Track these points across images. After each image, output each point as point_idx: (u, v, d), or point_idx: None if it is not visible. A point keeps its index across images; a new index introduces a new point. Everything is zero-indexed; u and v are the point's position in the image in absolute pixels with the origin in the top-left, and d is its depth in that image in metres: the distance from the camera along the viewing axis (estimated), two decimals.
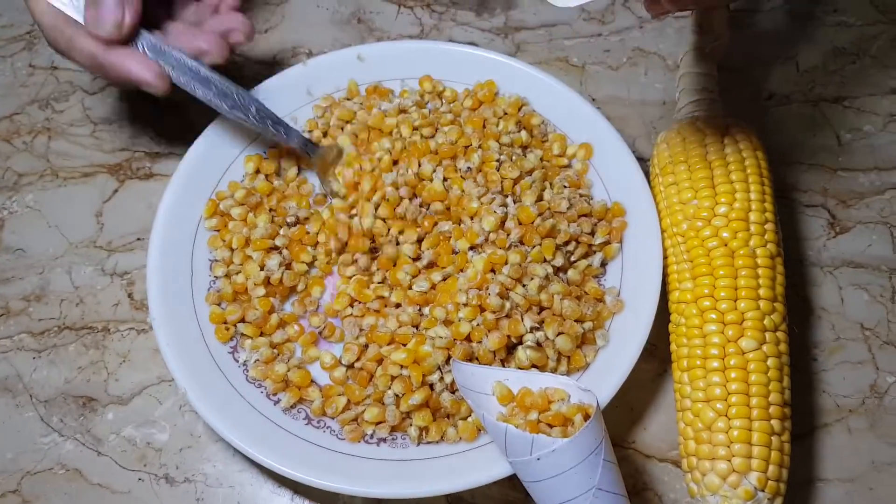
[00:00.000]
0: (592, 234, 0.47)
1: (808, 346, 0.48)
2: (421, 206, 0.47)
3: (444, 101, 0.53)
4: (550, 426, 0.39)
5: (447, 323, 0.43)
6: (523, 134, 0.50)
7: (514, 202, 0.47)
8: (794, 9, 0.61)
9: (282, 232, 0.49)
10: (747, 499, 0.38)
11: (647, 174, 0.49)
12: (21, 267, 0.51)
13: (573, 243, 0.46)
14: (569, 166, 0.51)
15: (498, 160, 0.48)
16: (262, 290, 0.46)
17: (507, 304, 0.43)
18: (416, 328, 0.44)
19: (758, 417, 0.39)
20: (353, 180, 0.48)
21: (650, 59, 0.59)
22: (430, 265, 0.46)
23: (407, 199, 0.47)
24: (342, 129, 0.52)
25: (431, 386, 0.43)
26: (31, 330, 0.49)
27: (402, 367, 0.43)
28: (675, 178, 0.46)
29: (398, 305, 0.46)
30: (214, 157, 0.50)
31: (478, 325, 0.43)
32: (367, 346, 0.45)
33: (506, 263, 0.44)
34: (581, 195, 0.49)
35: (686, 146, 0.47)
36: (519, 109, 0.52)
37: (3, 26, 0.61)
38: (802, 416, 0.46)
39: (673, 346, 0.44)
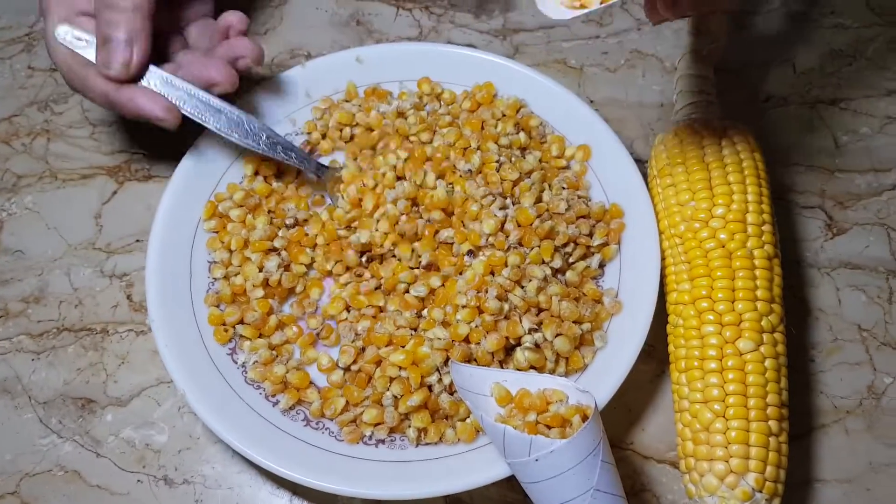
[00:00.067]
0: (591, 235, 0.47)
1: (805, 348, 0.49)
2: (421, 216, 0.47)
3: (442, 102, 0.53)
4: (549, 427, 0.39)
5: (445, 324, 0.43)
6: (522, 135, 0.50)
7: (513, 204, 0.47)
8: (790, 11, 0.62)
9: (280, 233, 0.49)
10: (745, 499, 0.38)
11: (644, 176, 0.49)
12: (20, 268, 0.51)
13: (571, 245, 0.46)
14: (567, 168, 0.51)
15: (497, 162, 0.48)
16: (260, 292, 0.46)
17: (506, 306, 0.43)
18: (415, 330, 0.44)
19: (755, 418, 0.39)
20: (357, 196, 0.48)
21: (648, 62, 0.59)
22: (430, 266, 0.46)
23: (405, 214, 0.47)
24: (340, 131, 0.52)
25: (430, 387, 0.43)
26: (29, 331, 0.49)
27: (400, 368, 0.43)
28: (673, 180, 0.46)
29: (395, 311, 0.46)
30: (213, 159, 0.50)
31: (476, 326, 0.43)
32: (363, 349, 0.45)
33: (505, 265, 0.44)
34: (579, 197, 0.49)
35: (684, 148, 0.47)
36: (517, 111, 0.52)
37: (2, 28, 0.61)
38: (800, 417, 0.46)
39: (671, 348, 0.44)
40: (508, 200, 0.47)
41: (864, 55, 0.59)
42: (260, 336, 0.46)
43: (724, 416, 0.39)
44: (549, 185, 0.49)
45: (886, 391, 0.47)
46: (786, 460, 0.40)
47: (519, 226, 0.46)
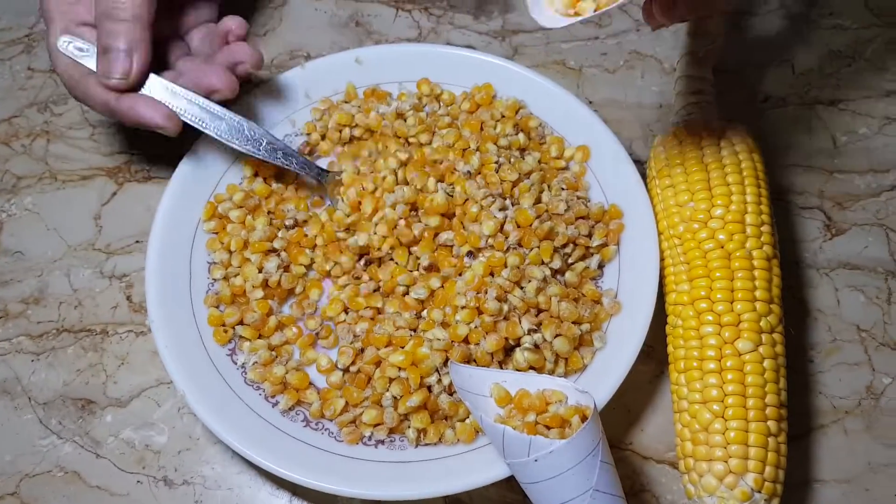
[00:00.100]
0: (590, 236, 0.47)
1: (804, 348, 0.49)
2: (420, 219, 0.47)
3: (441, 103, 0.53)
4: (548, 428, 0.39)
5: (445, 325, 0.43)
6: (521, 136, 0.50)
7: (512, 205, 0.47)
8: (789, 12, 0.62)
9: (280, 234, 0.49)
10: (744, 500, 0.38)
11: (643, 177, 0.49)
12: (20, 269, 0.51)
13: (571, 246, 0.47)
14: (566, 169, 0.51)
15: (496, 163, 0.48)
16: (260, 293, 0.47)
17: (505, 307, 0.43)
18: (414, 331, 0.44)
19: (754, 419, 0.39)
20: (356, 200, 0.48)
21: (647, 63, 0.59)
22: (430, 268, 0.46)
23: (404, 219, 0.47)
24: (340, 132, 0.52)
25: (429, 388, 0.43)
26: (29, 332, 0.49)
27: (399, 369, 0.43)
28: (672, 181, 0.46)
29: (394, 312, 0.46)
30: (213, 161, 0.50)
31: (475, 327, 0.43)
32: (362, 350, 0.45)
33: (504, 266, 0.44)
34: (578, 197, 0.49)
35: (682, 149, 0.47)
36: (516, 112, 0.52)
37: (1, 29, 0.61)
38: (799, 418, 0.46)
39: (670, 348, 0.44)
40: (508, 201, 0.47)
41: (862, 56, 0.60)
42: (259, 337, 0.46)
43: (722, 417, 0.39)
44: (549, 186, 0.49)
45: (885, 391, 0.47)
46: (785, 461, 0.40)
47: (518, 227, 0.46)
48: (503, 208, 0.46)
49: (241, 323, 0.46)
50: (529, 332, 0.43)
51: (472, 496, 0.44)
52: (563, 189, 0.49)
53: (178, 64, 0.49)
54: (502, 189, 0.47)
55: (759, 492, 0.38)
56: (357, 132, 0.52)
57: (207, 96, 0.47)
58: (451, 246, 0.46)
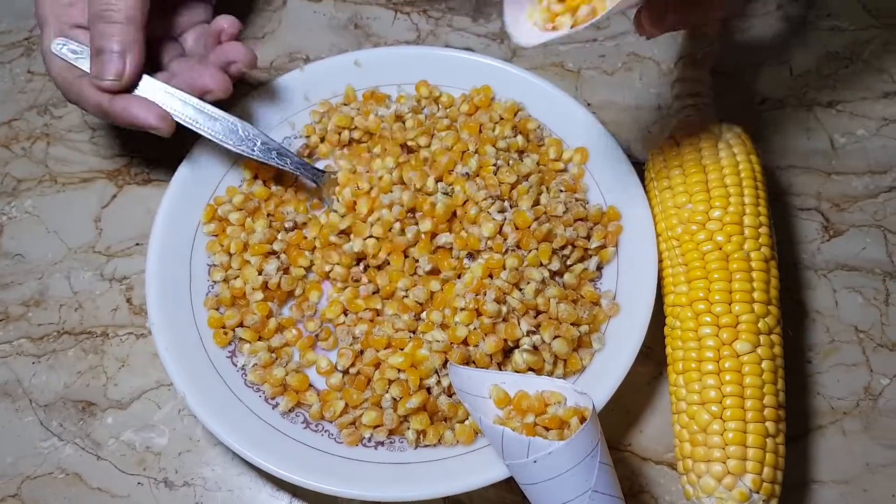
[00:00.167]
0: (588, 238, 0.47)
1: (802, 349, 0.49)
2: (417, 222, 0.47)
3: (440, 106, 0.53)
4: (547, 429, 0.39)
5: (444, 327, 0.44)
6: (519, 139, 0.50)
7: (511, 207, 0.47)
8: (787, 13, 0.62)
9: (279, 237, 0.49)
10: (742, 500, 0.38)
11: (642, 178, 0.49)
12: (20, 272, 0.52)
13: (569, 247, 0.47)
14: (565, 170, 0.51)
15: (495, 165, 0.48)
16: (260, 295, 0.47)
17: (504, 309, 0.43)
18: (413, 333, 0.45)
19: (752, 420, 0.39)
20: (352, 200, 0.48)
21: (645, 64, 0.60)
22: (432, 271, 0.46)
23: (400, 220, 0.46)
24: (339, 134, 0.52)
25: (429, 389, 0.43)
26: (30, 335, 0.49)
27: (399, 370, 0.43)
28: (670, 183, 0.47)
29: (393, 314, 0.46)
30: (212, 163, 0.51)
31: (475, 328, 0.43)
32: (362, 351, 0.45)
33: (503, 268, 0.44)
34: (577, 199, 0.49)
35: (680, 151, 0.47)
36: (515, 114, 0.52)
37: (1, 32, 0.61)
38: (797, 419, 0.46)
39: (668, 349, 0.44)
40: (506, 203, 0.47)
41: (860, 57, 0.60)
42: (259, 339, 0.46)
43: (721, 418, 0.40)
44: (547, 188, 0.49)
45: (883, 392, 0.47)
46: (783, 461, 0.40)
47: (517, 229, 0.46)
48: (502, 210, 0.46)
49: (241, 325, 0.46)
50: (528, 333, 0.43)
51: (471, 497, 0.44)
52: (561, 191, 0.49)
53: (171, 65, 0.49)
54: (500, 191, 0.47)
55: (758, 492, 0.38)
56: (356, 134, 0.52)
57: (201, 97, 0.47)
58: (451, 248, 0.46)
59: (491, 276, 0.45)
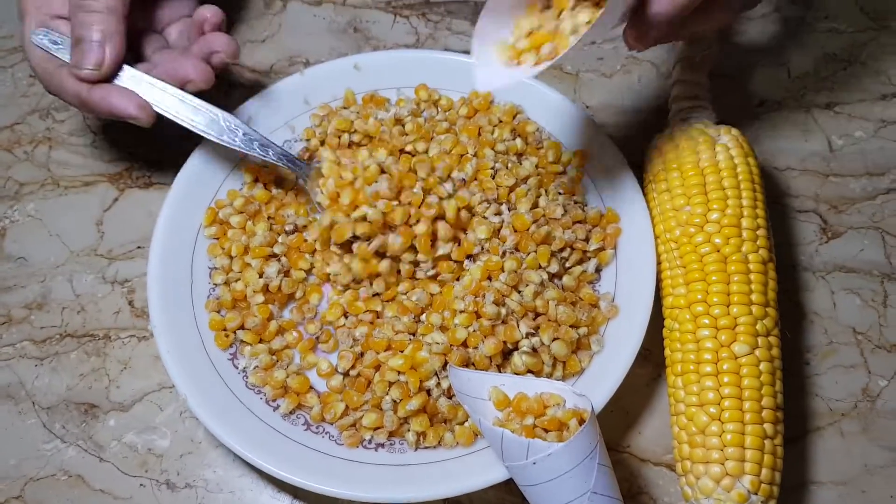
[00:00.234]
0: (587, 240, 0.47)
1: (800, 351, 0.49)
2: (408, 221, 0.46)
3: (439, 109, 0.54)
4: (546, 431, 0.39)
5: (444, 329, 0.44)
6: (518, 141, 0.51)
7: (510, 209, 0.47)
8: (785, 15, 0.62)
9: (280, 240, 0.49)
10: (741, 502, 0.38)
11: (640, 181, 0.49)
12: (22, 275, 0.52)
13: (568, 250, 0.47)
14: (563, 173, 0.51)
15: (493, 168, 0.48)
16: (260, 298, 0.47)
17: (503, 311, 0.44)
18: (413, 335, 0.45)
19: (751, 421, 0.39)
20: (335, 191, 0.47)
21: (643, 67, 0.60)
22: (436, 276, 0.46)
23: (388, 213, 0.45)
24: (339, 138, 0.52)
25: (429, 391, 0.43)
26: (32, 338, 0.50)
27: (399, 372, 0.43)
28: (668, 185, 0.47)
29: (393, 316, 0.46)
30: (213, 166, 0.51)
31: (474, 330, 0.43)
32: (362, 353, 0.45)
33: (502, 270, 0.45)
34: (576, 202, 0.49)
35: (679, 153, 0.48)
36: (514, 117, 0.52)
37: (3, 37, 0.62)
38: (795, 420, 0.46)
39: (667, 351, 0.44)
40: (504, 206, 0.47)
41: (858, 59, 0.60)
42: (260, 341, 0.46)
43: (719, 419, 0.40)
44: (546, 191, 0.49)
45: (881, 394, 0.48)
46: (781, 463, 0.40)
47: (515, 231, 0.46)
48: (498, 213, 0.47)
49: (242, 327, 0.46)
50: (527, 335, 0.43)
51: (471, 499, 0.44)
52: (560, 193, 0.49)
53: (153, 57, 0.49)
54: (499, 194, 0.47)
55: (756, 494, 0.38)
56: (356, 138, 0.52)
57: (182, 87, 0.47)
58: (449, 254, 0.46)
59: (490, 279, 0.45)
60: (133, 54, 0.47)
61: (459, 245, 0.46)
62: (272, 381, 0.45)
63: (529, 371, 0.43)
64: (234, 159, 0.51)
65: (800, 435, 0.46)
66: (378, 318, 0.46)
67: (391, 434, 0.43)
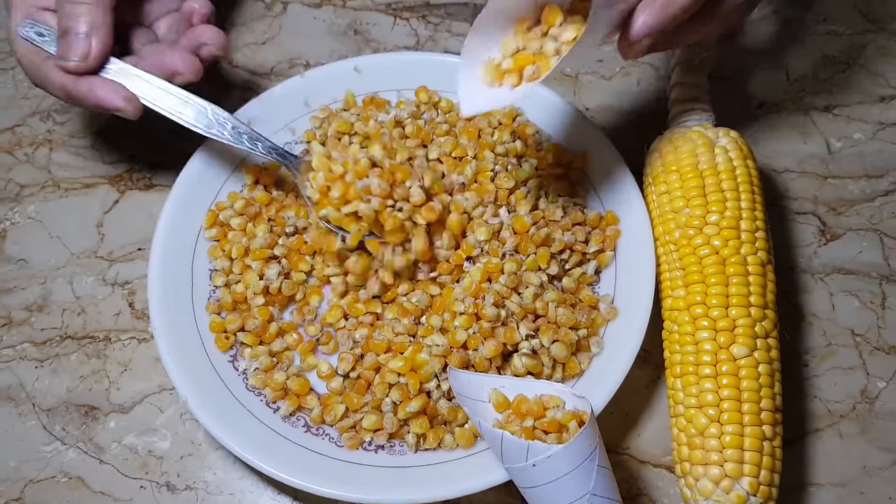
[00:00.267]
0: (586, 242, 0.48)
1: (799, 353, 0.49)
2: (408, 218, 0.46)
3: (439, 111, 0.54)
4: (546, 433, 0.39)
5: (443, 331, 0.44)
6: (518, 143, 0.51)
7: (509, 212, 0.47)
8: (784, 18, 0.62)
9: (280, 241, 0.49)
10: (739, 503, 0.38)
11: (639, 183, 0.49)
12: (23, 277, 0.52)
13: (567, 252, 0.47)
14: (563, 175, 0.51)
15: (493, 170, 0.48)
16: (261, 300, 0.47)
17: (503, 313, 0.44)
18: (413, 337, 0.45)
19: (749, 423, 0.39)
20: (325, 185, 0.46)
21: (642, 69, 0.60)
22: (435, 278, 0.46)
23: (380, 212, 0.45)
24: (339, 140, 0.53)
25: (428, 393, 0.43)
26: (33, 339, 0.50)
27: (399, 374, 0.43)
28: (668, 187, 0.47)
29: (393, 318, 0.46)
30: (214, 168, 0.51)
31: (474, 333, 0.43)
32: (362, 355, 0.45)
33: (501, 272, 0.45)
34: (575, 204, 0.49)
35: (678, 155, 0.48)
36: (513, 120, 0.52)
37: (3, 39, 0.62)
38: (794, 422, 0.46)
39: (666, 353, 0.44)
40: (504, 208, 0.47)
41: (856, 62, 0.60)
42: (260, 343, 0.47)
43: (718, 421, 0.40)
44: (545, 193, 0.49)
45: (880, 395, 0.48)
46: (780, 464, 0.40)
47: (515, 233, 0.46)
48: (495, 215, 0.47)
49: (242, 329, 0.46)
50: (527, 337, 0.43)
51: (471, 500, 0.44)
52: (559, 195, 0.49)
53: (141, 50, 0.48)
54: (498, 196, 0.47)
55: (755, 495, 0.39)
56: (356, 140, 0.53)
57: (170, 79, 0.46)
58: (450, 260, 0.47)
59: (490, 281, 0.45)
60: (121, 48, 0.47)
61: (458, 248, 0.46)
62: (272, 383, 0.45)
63: (529, 373, 0.43)
64: (234, 161, 0.51)
65: (798, 436, 0.46)
66: (378, 319, 0.46)
67: (391, 436, 0.43)
